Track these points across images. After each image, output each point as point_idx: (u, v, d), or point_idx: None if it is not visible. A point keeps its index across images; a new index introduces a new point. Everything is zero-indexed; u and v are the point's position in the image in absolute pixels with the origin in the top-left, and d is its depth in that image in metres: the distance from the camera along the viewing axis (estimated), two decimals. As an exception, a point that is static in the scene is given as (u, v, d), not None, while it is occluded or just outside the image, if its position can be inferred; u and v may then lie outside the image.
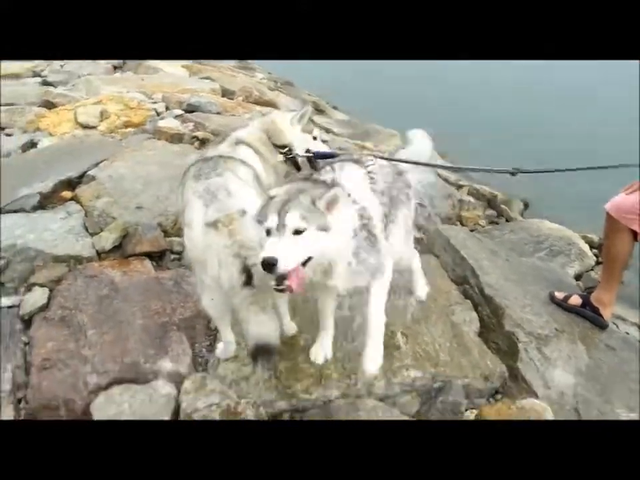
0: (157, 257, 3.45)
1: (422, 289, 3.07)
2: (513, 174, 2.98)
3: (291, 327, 2.76)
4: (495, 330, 3.14)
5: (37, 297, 3.05)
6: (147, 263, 3.34)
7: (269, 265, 1.83)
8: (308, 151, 3.10)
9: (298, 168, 3.14)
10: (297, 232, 1.90)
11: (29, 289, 3.13)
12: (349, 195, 2.15)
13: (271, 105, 6.97)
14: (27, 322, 2.97)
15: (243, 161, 2.66)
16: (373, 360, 2.33)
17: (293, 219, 1.90)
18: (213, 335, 2.85)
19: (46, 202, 3.89)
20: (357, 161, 2.48)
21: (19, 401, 2.65)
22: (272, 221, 1.92)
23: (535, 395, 2.77)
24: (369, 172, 2.40)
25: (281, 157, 3.02)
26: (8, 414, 2.57)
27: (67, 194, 3.99)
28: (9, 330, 2.91)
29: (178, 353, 2.73)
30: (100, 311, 2.91)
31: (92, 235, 3.51)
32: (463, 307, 3.24)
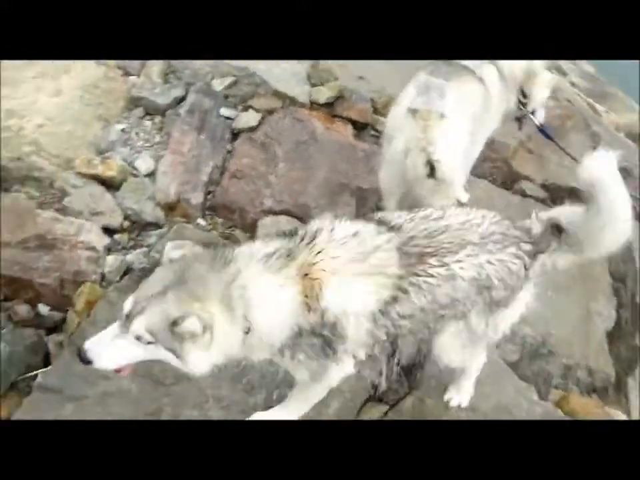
0: (359, 127, 3.70)
1: (464, 393, 2.35)
2: None
3: None
4: (625, 337, 3.09)
5: (250, 118, 3.55)
6: (349, 128, 3.64)
7: (83, 360, 1.57)
8: (533, 113, 2.97)
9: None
10: (139, 338, 1.54)
11: (245, 109, 3.62)
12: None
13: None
14: (235, 135, 3.49)
15: (480, 79, 2.63)
16: None
17: (139, 327, 1.52)
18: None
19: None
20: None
21: (208, 192, 3.21)
22: (126, 306, 1.56)
23: (627, 413, 2.76)
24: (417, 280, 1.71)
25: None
26: (198, 199, 3.14)
27: (304, 42, 4.31)
28: (220, 135, 3.44)
29: (344, 213, 2.90)
30: (295, 151, 3.32)
31: (312, 85, 3.83)
32: (606, 301, 3.18)
